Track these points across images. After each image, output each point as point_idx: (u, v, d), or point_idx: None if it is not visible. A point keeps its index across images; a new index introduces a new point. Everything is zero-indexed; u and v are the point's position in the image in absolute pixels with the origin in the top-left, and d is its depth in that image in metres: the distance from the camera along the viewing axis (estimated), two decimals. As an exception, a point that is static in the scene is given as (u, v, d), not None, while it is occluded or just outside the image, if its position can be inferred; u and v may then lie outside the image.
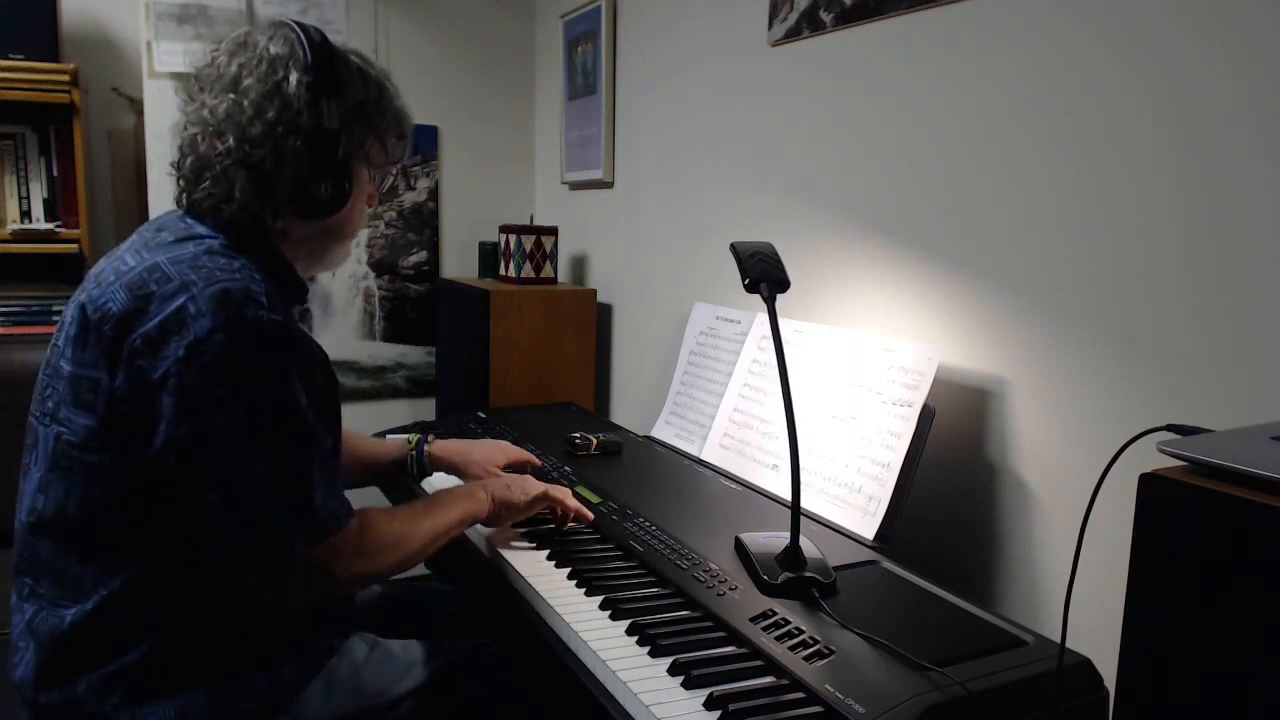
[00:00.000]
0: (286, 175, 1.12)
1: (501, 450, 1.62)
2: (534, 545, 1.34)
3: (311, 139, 1.13)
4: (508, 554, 1.30)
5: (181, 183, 1.16)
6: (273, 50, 1.13)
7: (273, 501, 1.04)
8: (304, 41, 1.14)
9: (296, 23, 1.17)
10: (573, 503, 1.42)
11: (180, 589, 1.07)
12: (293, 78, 1.12)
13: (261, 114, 1.11)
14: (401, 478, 1.63)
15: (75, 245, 2.31)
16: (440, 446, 1.62)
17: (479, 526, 1.38)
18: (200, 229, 1.13)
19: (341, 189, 1.18)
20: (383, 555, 1.16)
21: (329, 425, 1.15)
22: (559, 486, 1.44)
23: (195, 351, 0.99)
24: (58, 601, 1.07)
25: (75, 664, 1.06)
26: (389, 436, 1.71)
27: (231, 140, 1.11)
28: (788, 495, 1.20)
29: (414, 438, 1.63)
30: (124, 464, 1.03)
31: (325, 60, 1.14)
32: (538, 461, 1.65)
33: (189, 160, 1.14)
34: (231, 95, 1.12)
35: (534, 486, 1.40)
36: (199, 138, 1.13)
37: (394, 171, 1.31)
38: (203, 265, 1.05)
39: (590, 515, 1.43)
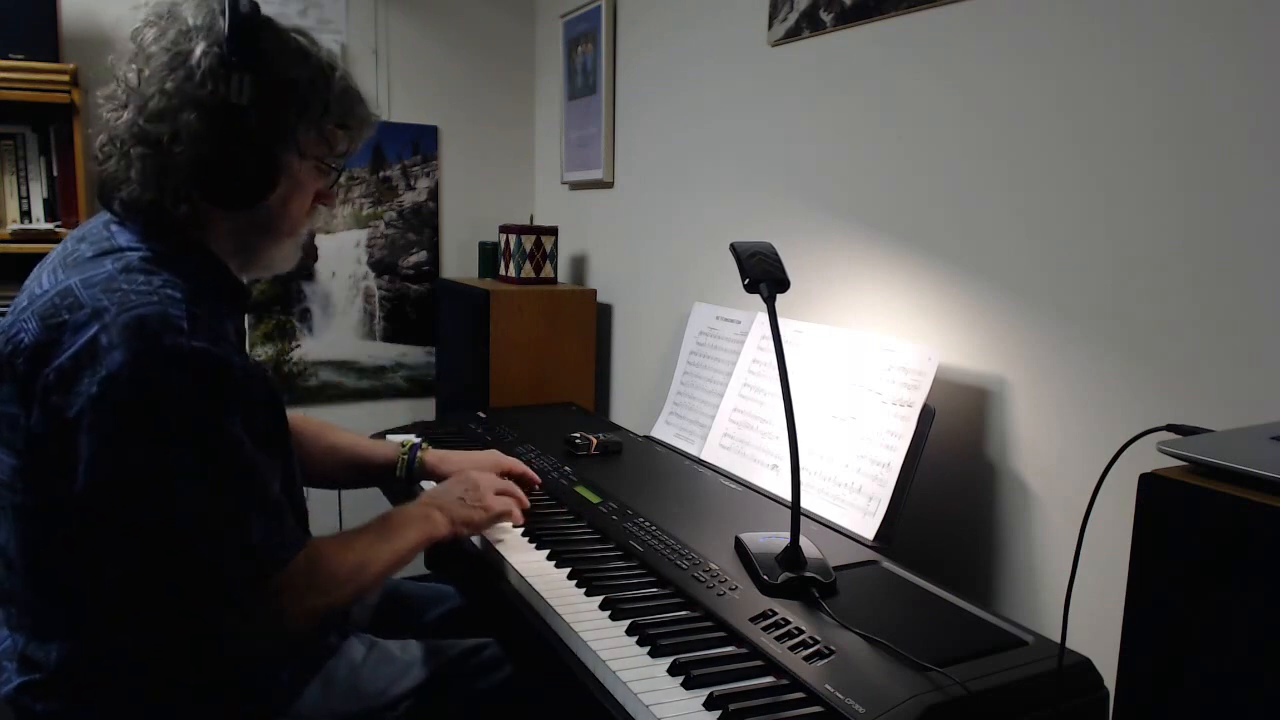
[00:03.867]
0: (183, 153, 1.01)
1: (495, 463, 1.50)
2: (534, 545, 1.34)
3: (213, 114, 1.00)
4: (507, 553, 1.30)
5: (95, 164, 1.08)
6: (190, 21, 1.02)
7: (205, 542, 0.96)
8: (227, 11, 1.01)
9: None
10: (524, 505, 1.38)
11: (151, 634, 1.00)
12: (199, 47, 1.00)
13: (161, 85, 1.00)
14: (392, 481, 1.55)
15: (75, 245, 2.31)
16: (435, 457, 1.54)
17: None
18: (122, 239, 1.03)
19: (259, 175, 1.05)
20: (338, 589, 1.08)
21: (274, 450, 1.06)
22: (506, 498, 1.36)
23: (108, 387, 0.90)
24: (41, 635, 1.02)
25: (66, 691, 1.03)
26: (390, 437, 1.68)
27: (131, 113, 1.02)
28: (788, 495, 1.19)
29: (408, 443, 1.55)
30: (51, 505, 0.96)
31: (247, 32, 1.01)
32: (537, 479, 1.53)
33: (100, 137, 1.06)
34: (137, 65, 1.03)
35: (493, 500, 1.33)
36: (109, 112, 1.05)
37: (341, 167, 1.16)
38: (117, 288, 0.95)
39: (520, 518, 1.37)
